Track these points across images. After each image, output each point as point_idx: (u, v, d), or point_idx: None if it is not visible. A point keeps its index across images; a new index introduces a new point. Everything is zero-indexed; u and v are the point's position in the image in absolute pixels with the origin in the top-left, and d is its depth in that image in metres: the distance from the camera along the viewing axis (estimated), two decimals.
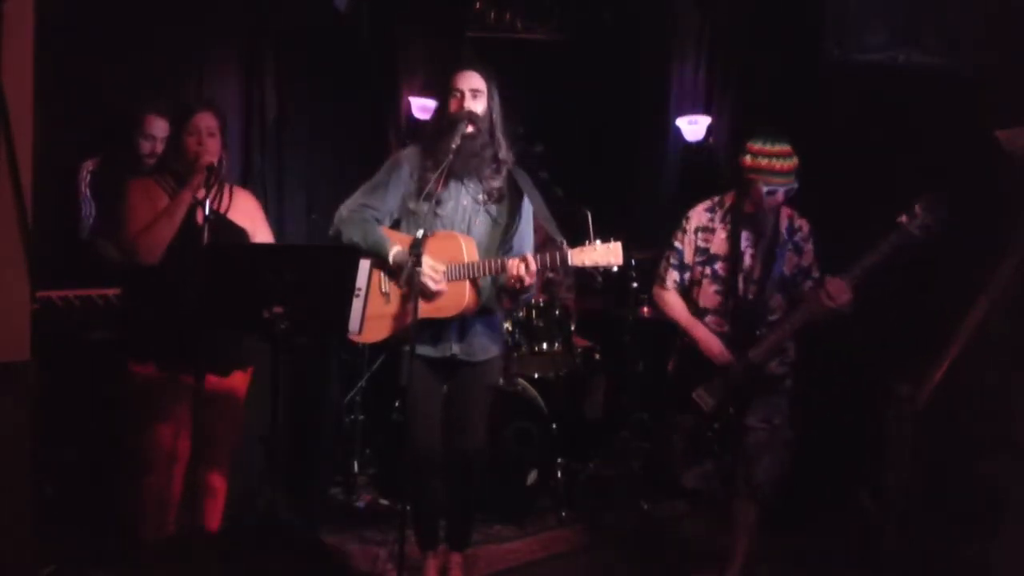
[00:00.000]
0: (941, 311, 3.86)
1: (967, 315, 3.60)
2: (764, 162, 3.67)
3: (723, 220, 3.88)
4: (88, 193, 4.41)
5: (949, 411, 3.56)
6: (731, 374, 3.80)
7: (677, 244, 3.95)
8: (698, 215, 3.93)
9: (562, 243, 3.52)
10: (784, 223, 3.84)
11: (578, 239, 3.51)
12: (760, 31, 5.47)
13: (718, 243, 3.88)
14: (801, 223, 3.87)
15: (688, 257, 3.93)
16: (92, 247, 4.31)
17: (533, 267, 3.47)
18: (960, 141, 4.24)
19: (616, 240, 3.40)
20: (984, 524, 3.41)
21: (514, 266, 3.50)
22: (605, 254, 3.38)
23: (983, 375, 3.53)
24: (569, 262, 3.44)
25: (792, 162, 3.68)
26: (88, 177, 4.43)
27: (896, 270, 4.40)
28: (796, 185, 3.72)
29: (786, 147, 3.69)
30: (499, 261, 3.56)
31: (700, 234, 3.91)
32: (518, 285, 3.53)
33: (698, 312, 3.91)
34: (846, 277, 3.59)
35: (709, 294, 3.89)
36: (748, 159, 3.72)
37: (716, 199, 3.95)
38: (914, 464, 3.68)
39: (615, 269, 3.41)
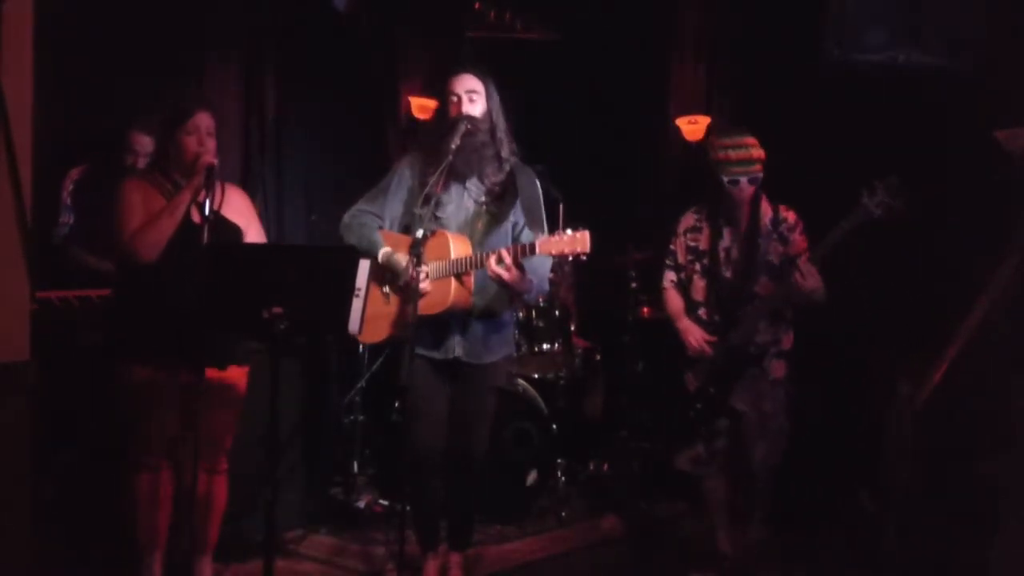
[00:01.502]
0: (941, 311, 3.87)
1: (967, 315, 3.60)
2: (721, 154, 3.89)
3: (708, 219, 4.09)
4: (69, 201, 4.43)
5: (949, 411, 3.57)
6: (711, 356, 4.00)
7: (671, 247, 4.20)
8: (686, 219, 4.16)
9: (537, 234, 3.54)
10: (768, 215, 3.99)
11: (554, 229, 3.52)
12: (760, 31, 5.46)
13: (704, 240, 4.09)
14: (787, 215, 4.00)
15: (681, 257, 4.16)
16: (66, 253, 4.33)
17: (507, 260, 3.48)
18: (960, 141, 4.24)
19: (584, 228, 3.39)
20: (984, 524, 3.41)
21: (490, 263, 3.51)
22: (572, 243, 3.38)
23: (983, 375, 3.53)
24: (537, 251, 3.44)
25: (747, 152, 3.86)
26: (72, 186, 4.44)
27: (896, 269, 4.42)
28: (759, 175, 3.88)
29: (743, 139, 3.88)
30: (479, 255, 3.57)
31: (689, 235, 4.13)
32: (500, 281, 3.53)
33: (692, 305, 4.11)
34: (812, 256, 3.77)
35: (699, 288, 4.10)
36: (710, 152, 3.95)
37: (703, 202, 4.13)
38: (914, 464, 3.69)
39: (584, 257, 3.43)
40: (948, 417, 3.57)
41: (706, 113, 5.94)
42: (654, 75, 6.26)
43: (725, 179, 3.87)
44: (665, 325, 4.19)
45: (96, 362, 3.70)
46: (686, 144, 5.96)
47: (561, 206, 5.23)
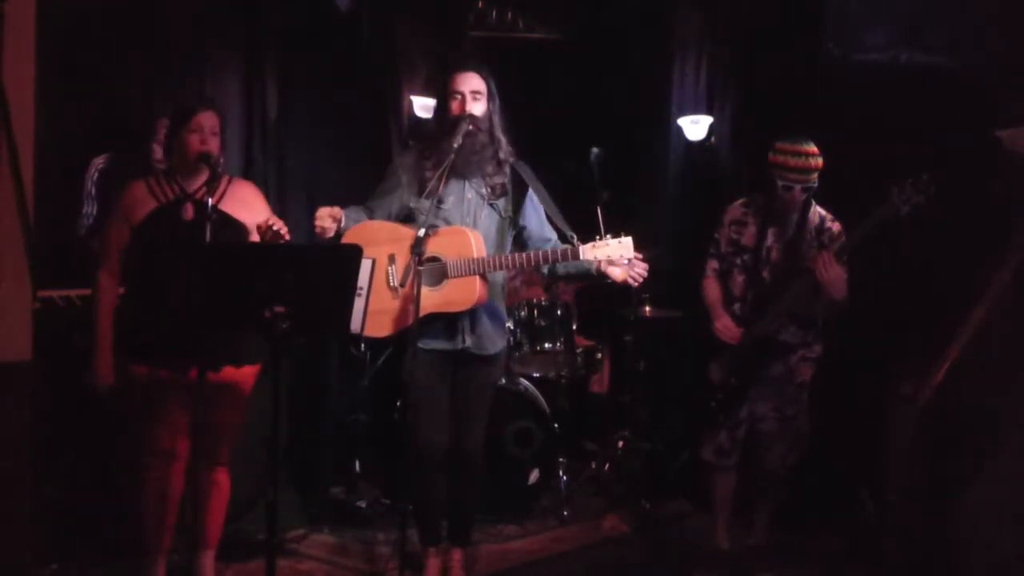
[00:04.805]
0: (943, 311, 3.86)
1: (968, 315, 3.60)
2: (780, 158, 3.94)
3: (755, 215, 4.14)
4: (94, 191, 4.41)
5: (949, 411, 3.56)
6: (735, 347, 4.08)
7: (716, 236, 4.25)
8: (734, 209, 4.22)
9: (573, 237, 3.59)
10: (814, 221, 4.06)
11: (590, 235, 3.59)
12: (761, 31, 5.46)
13: (748, 236, 4.14)
14: (833, 225, 4.06)
15: (723, 247, 4.22)
16: (87, 245, 4.31)
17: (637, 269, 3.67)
18: (960, 141, 4.24)
19: (627, 235, 3.48)
20: (983, 524, 3.41)
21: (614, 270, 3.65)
22: (617, 248, 3.47)
23: (984, 375, 3.53)
24: (581, 257, 3.51)
25: (805, 161, 3.91)
26: (96, 175, 4.43)
27: (897, 269, 4.41)
28: (814, 185, 3.96)
29: (804, 147, 3.93)
30: (508, 258, 3.65)
31: (733, 227, 4.19)
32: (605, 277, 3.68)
33: (730, 299, 4.18)
34: (836, 251, 3.86)
35: (738, 283, 4.17)
36: (771, 155, 3.99)
37: (753, 196, 4.20)
38: (914, 463, 3.69)
39: (627, 262, 3.51)
40: (948, 417, 3.57)
41: (708, 112, 5.94)
42: (655, 75, 6.25)
43: (780, 183, 3.95)
44: (666, 326, 4.21)
45: None
46: (688, 143, 5.96)
47: (600, 210, 5.28)
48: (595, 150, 5.14)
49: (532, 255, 3.65)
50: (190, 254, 3.30)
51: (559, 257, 3.59)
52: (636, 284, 3.76)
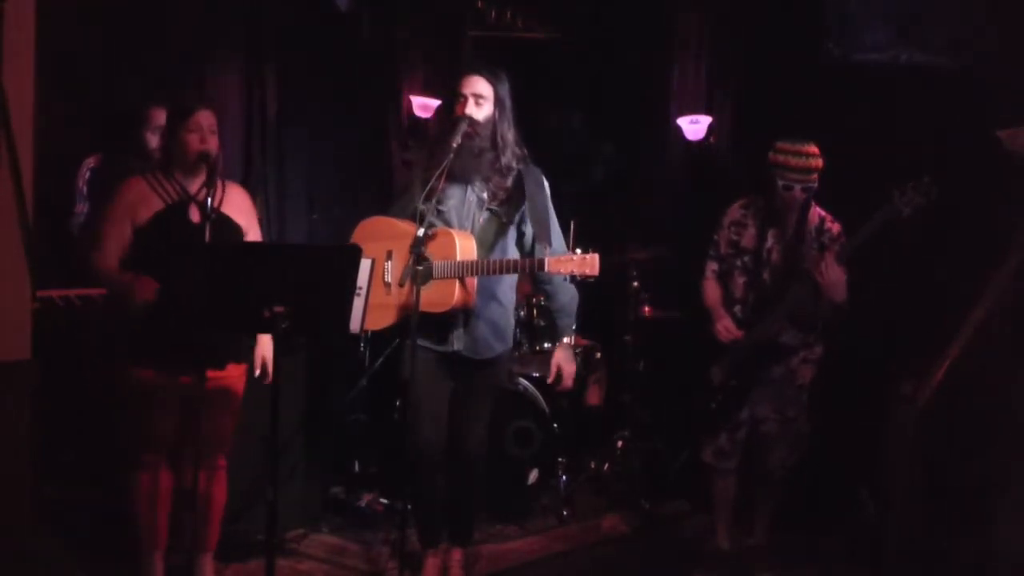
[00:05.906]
0: (943, 310, 3.87)
1: (969, 314, 3.60)
2: (781, 158, 3.93)
3: (754, 217, 4.12)
4: (85, 190, 4.43)
5: (950, 410, 3.56)
6: (735, 350, 4.05)
7: (715, 237, 4.24)
8: (733, 211, 4.20)
9: (544, 248, 3.60)
10: (814, 222, 4.05)
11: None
12: (761, 31, 5.47)
13: (748, 238, 4.13)
14: (833, 226, 4.05)
15: (723, 248, 4.20)
16: (80, 244, 4.32)
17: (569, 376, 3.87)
18: (961, 140, 4.24)
19: (595, 252, 3.46)
20: (984, 523, 3.41)
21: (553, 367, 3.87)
22: (581, 264, 3.44)
23: (984, 374, 3.53)
24: (545, 269, 3.50)
25: (806, 161, 3.90)
26: (88, 174, 4.44)
27: (897, 268, 4.42)
28: (814, 185, 3.94)
29: (806, 147, 3.92)
30: (487, 263, 3.61)
31: (733, 228, 4.17)
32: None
33: (731, 301, 4.16)
34: (836, 253, 3.87)
35: (739, 285, 4.15)
36: (771, 155, 3.97)
37: (752, 197, 4.18)
38: (914, 463, 3.69)
39: (591, 280, 3.51)
40: (949, 417, 3.57)
41: (707, 112, 5.95)
42: (655, 75, 6.26)
43: (780, 183, 3.94)
44: (667, 326, 4.21)
45: (97, 361, 3.69)
46: (687, 143, 5.96)
47: (572, 224, 5.31)
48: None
49: (500, 263, 3.63)
50: (192, 254, 3.30)
51: (526, 267, 3.60)
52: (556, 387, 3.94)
